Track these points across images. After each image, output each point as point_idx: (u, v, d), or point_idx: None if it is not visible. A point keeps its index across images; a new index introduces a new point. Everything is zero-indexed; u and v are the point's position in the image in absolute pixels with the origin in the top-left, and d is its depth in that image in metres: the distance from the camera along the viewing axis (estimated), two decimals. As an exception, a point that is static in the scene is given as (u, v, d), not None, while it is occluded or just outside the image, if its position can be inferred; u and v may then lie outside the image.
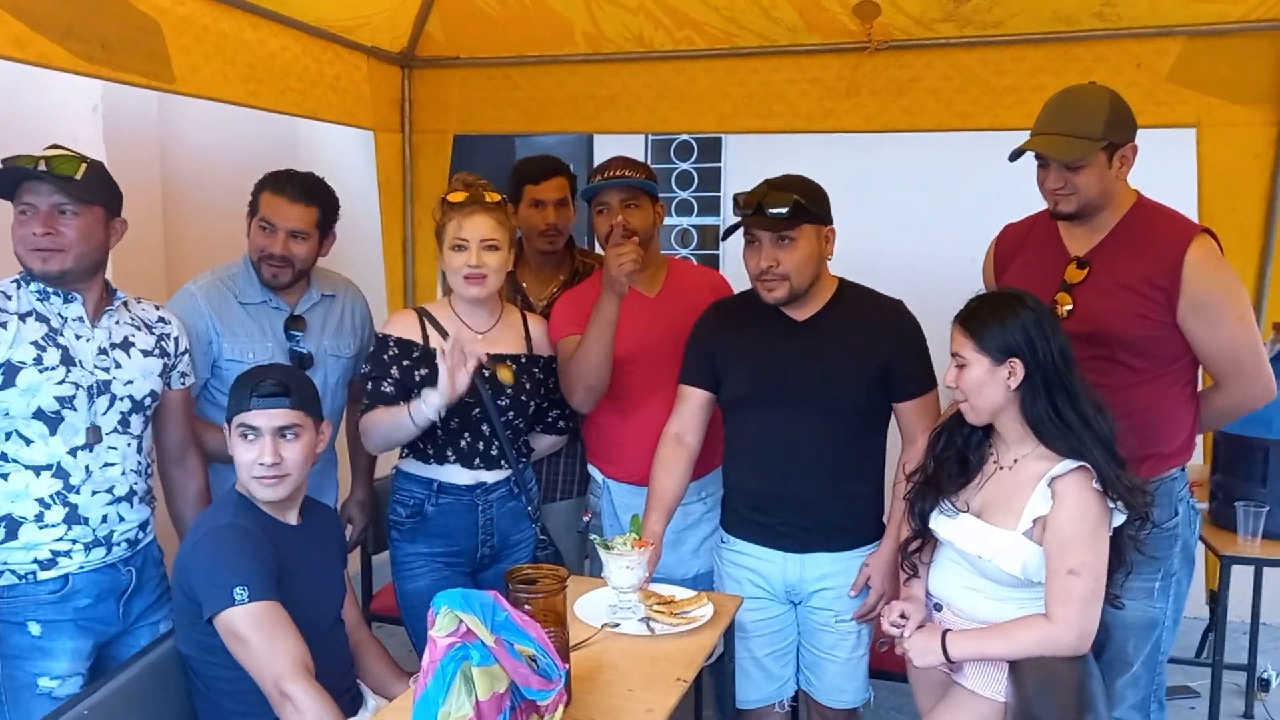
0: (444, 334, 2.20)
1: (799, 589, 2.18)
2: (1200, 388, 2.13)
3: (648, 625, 1.92)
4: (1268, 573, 2.96)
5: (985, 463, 1.90)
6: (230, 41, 2.58)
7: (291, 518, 1.95)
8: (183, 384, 2.14)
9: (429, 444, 2.22)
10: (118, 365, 1.97)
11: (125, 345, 2.00)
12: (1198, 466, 2.94)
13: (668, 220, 5.00)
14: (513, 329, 2.31)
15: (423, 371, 2.18)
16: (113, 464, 1.96)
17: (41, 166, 1.85)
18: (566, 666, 1.53)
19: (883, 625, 1.95)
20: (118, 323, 2.00)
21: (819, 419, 2.09)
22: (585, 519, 2.52)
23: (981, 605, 1.87)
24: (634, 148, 4.82)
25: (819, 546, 2.14)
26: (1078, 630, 1.73)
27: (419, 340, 2.21)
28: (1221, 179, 2.79)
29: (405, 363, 2.19)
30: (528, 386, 2.26)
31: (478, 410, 2.19)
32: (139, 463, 2.03)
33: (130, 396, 1.99)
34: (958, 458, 1.91)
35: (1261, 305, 2.81)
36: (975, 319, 1.82)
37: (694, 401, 2.24)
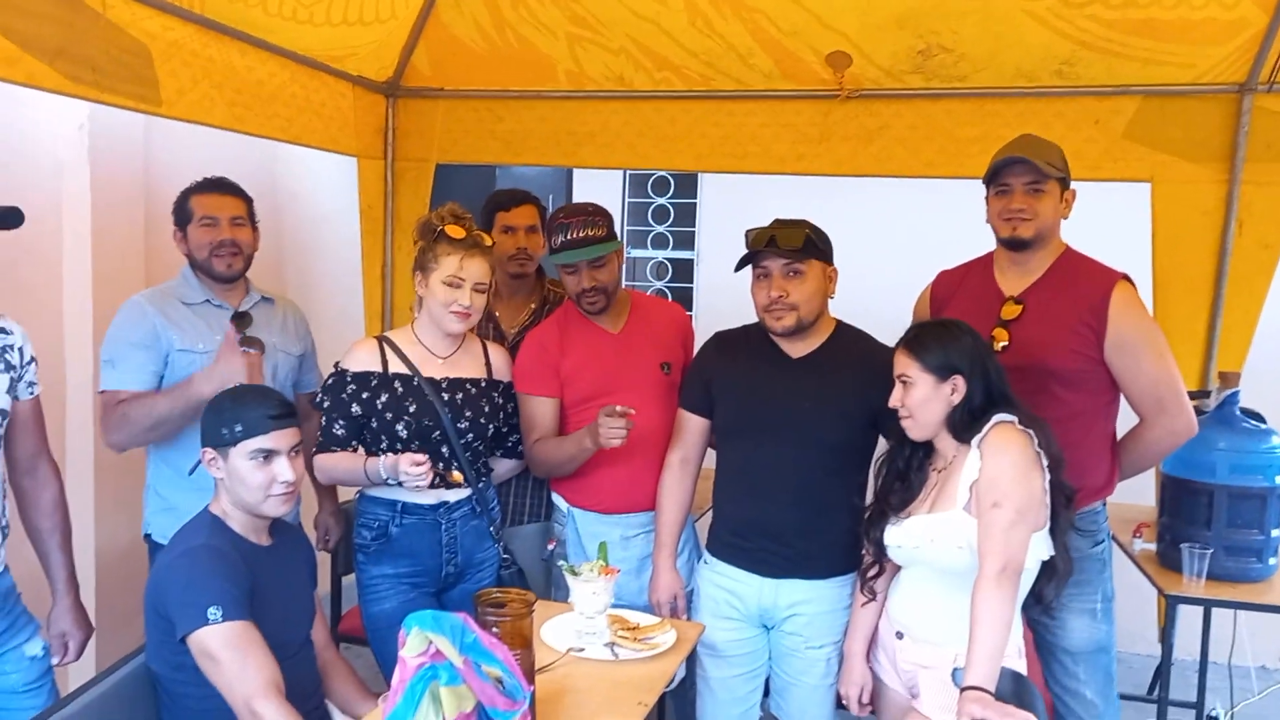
0: (405, 360, 2.27)
1: (772, 613, 2.24)
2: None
3: (612, 650, 1.96)
4: (1215, 613, 3.05)
5: (927, 479, 2.00)
6: (218, 67, 2.62)
7: (264, 539, 1.98)
8: (31, 394, 2.07)
9: None
10: None
11: None
12: (1148, 508, 3.05)
13: (643, 253, 5.08)
14: (473, 356, 2.38)
15: (383, 398, 2.24)
16: None
17: None
18: (531, 688, 1.57)
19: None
20: None
21: (800, 451, 2.17)
22: (550, 547, 2.56)
23: (939, 620, 1.94)
24: (612, 181, 4.91)
25: (794, 573, 2.20)
26: (1001, 559, 1.77)
27: (377, 369, 2.26)
28: (1173, 234, 2.91)
29: (365, 394, 2.25)
30: (486, 410, 2.33)
31: (438, 433, 2.25)
32: None
33: None
34: (899, 479, 2.02)
35: (1211, 355, 2.93)
36: (918, 342, 1.95)
37: (693, 427, 2.34)
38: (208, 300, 2.48)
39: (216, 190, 2.49)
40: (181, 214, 2.48)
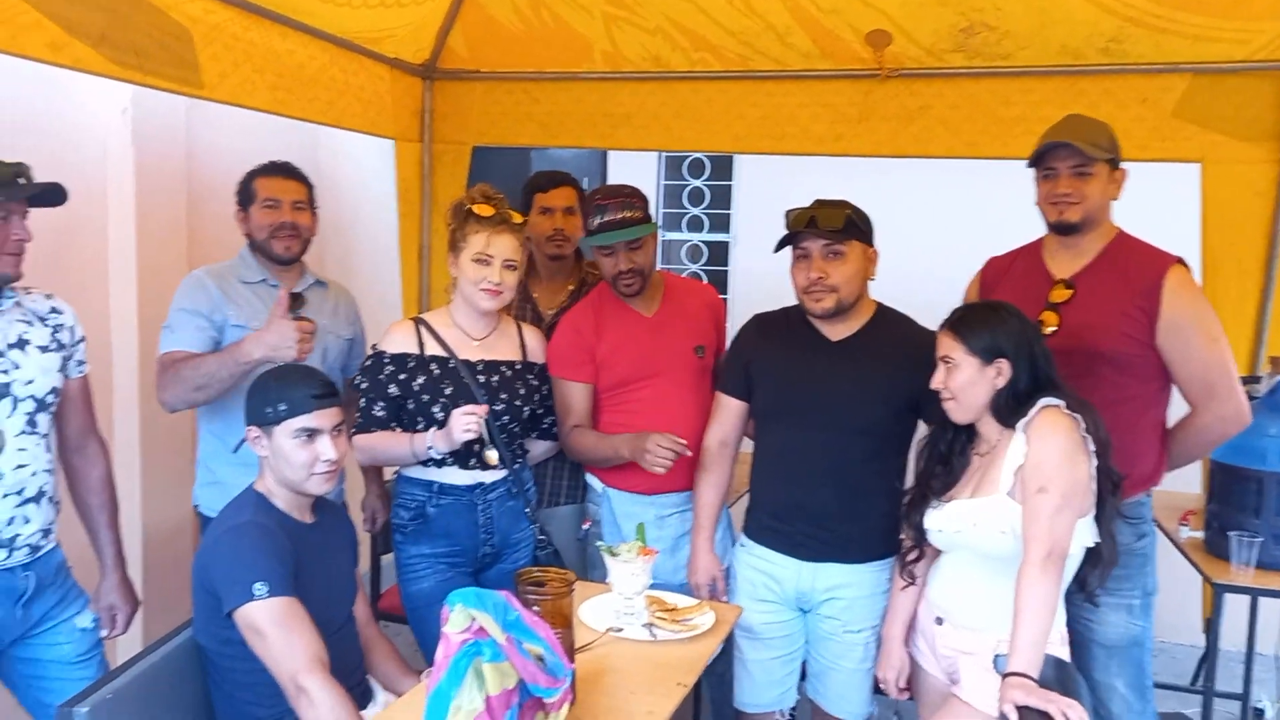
0: (441, 342, 2.28)
1: (810, 597, 2.24)
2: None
3: (650, 631, 1.97)
4: (1263, 603, 3.00)
5: (969, 463, 1.98)
6: (259, 50, 2.65)
7: (307, 517, 2.01)
8: (81, 372, 2.13)
9: None
10: (16, 366, 1.95)
11: (21, 344, 1.98)
12: (1194, 496, 3.00)
13: (679, 236, 5.07)
14: (509, 338, 2.39)
15: (419, 380, 2.26)
16: (24, 465, 1.95)
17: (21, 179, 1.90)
18: (572, 666, 1.58)
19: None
20: (10, 321, 1.98)
21: (840, 436, 2.16)
22: (585, 527, 2.58)
23: (980, 606, 1.93)
24: (647, 163, 4.90)
25: (832, 557, 2.20)
26: (1046, 544, 1.77)
27: (414, 350, 2.28)
28: (1224, 215, 2.84)
29: (402, 375, 2.27)
30: (522, 392, 2.34)
31: None
32: (49, 461, 2.03)
33: (33, 396, 1.97)
34: (941, 463, 2.00)
35: (1262, 339, 2.86)
36: (964, 324, 1.93)
37: (732, 410, 2.34)
38: (264, 280, 2.53)
39: (280, 174, 2.56)
40: (245, 195, 2.55)
